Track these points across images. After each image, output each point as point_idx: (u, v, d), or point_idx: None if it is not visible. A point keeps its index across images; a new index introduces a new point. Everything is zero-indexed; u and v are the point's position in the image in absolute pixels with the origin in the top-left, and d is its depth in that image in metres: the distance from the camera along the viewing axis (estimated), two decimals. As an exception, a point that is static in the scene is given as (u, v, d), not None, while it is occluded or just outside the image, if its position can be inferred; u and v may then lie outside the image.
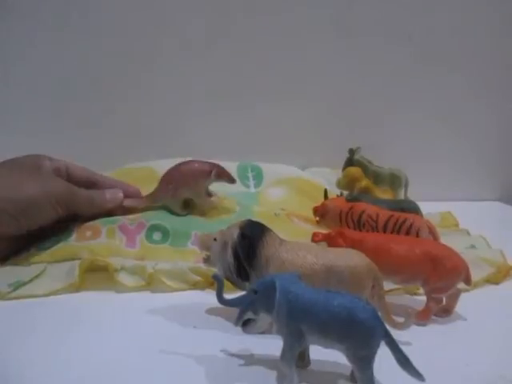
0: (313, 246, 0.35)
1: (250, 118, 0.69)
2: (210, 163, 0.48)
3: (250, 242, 0.33)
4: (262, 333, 0.31)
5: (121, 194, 0.47)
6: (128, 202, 0.48)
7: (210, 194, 0.50)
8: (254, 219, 0.36)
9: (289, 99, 0.69)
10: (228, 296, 0.39)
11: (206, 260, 0.35)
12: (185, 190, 0.48)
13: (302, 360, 0.29)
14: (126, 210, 0.48)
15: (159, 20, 0.66)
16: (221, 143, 0.65)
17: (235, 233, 0.34)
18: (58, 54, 0.66)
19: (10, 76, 0.66)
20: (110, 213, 0.47)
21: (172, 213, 0.48)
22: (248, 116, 0.69)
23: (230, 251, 0.34)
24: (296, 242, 0.35)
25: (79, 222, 0.46)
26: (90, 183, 0.47)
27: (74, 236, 0.44)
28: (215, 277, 0.31)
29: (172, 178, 0.48)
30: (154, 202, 0.48)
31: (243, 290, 0.33)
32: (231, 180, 0.50)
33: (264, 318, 0.29)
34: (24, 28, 0.64)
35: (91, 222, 0.45)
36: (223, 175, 0.49)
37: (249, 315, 0.29)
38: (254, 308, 0.29)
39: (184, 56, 0.67)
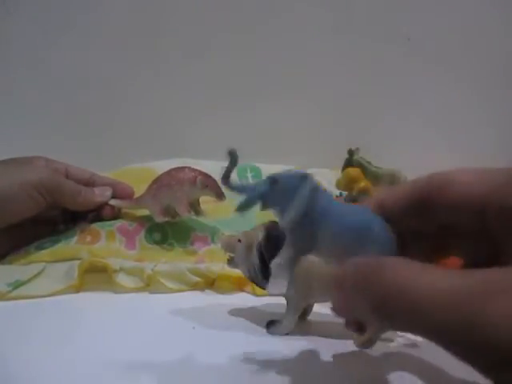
0: None
1: (250, 119, 0.69)
2: (200, 172, 0.44)
3: (275, 243, 0.32)
4: (286, 334, 0.31)
5: (109, 193, 0.46)
6: (114, 202, 0.47)
7: (197, 211, 0.45)
8: (252, 219, 0.35)
9: (288, 100, 0.69)
10: (226, 296, 0.39)
11: (230, 261, 0.35)
12: (166, 194, 0.44)
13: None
14: (115, 211, 0.47)
15: (159, 20, 0.66)
16: (220, 144, 0.65)
17: (260, 234, 0.33)
18: (58, 55, 0.66)
19: (10, 77, 0.66)
20: (98, 212, 0.46)
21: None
22: (247, 117, 0.69)
23: (255, 252, 0.33)
24: None
25: (79, 225, 0.46)
26: (90, 184, 0.47)
27: (74, 239, 0.44)
28: (231, 152, 0.27)
29: (158, 181, 0.45)
30: (139, 204, 0.47)
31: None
32: (219, 195, 0.43)
33: (290, 319, 0.28)
34: (24, 28, 0.64)
35: (90, 226, 0.45)
36: (211, 187, 0.43)
37: (251, 205, 0.26)
38: (266, 199, 0.25)
39: (183, 56, 0.68)
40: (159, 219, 0.45)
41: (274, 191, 0.25)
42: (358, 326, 0.25)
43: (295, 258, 0.25)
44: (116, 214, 0.47)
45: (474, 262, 0.25)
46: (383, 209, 0.25)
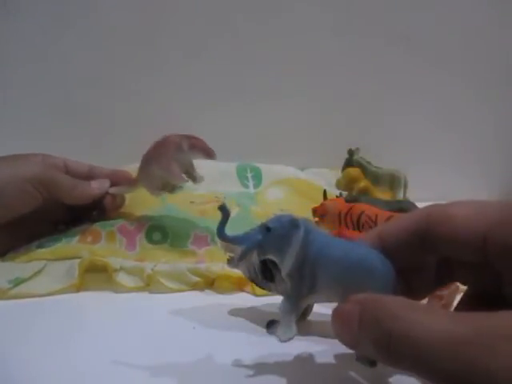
0: None
1: (250, 119, 0.69)
2: (186, 135, 0.43)
3: None
4: None
5: (106, 184, 0.46)
6: (113, 190, 0.47)
7: (193, 177, 0.44)
8: (252, 219, 0.35)
9: (288, 100, 0.69)
10: (226, 296, 0.39)
11: (230, 261, 0.35)
12: (155, 166, 0.43)
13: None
14: (117, 200, 0.47)
15: (159, 20, 0.66)
16: (220, 143, 0.65)
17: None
18: (58, 55, 0.66)
19: (10, 77, 0.66)
20: (100, 203, 0.46)
21: (171, 213, 0.47)
22: (247, 117, 0.69)
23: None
24: None
25: (81, 225, 0.46)
26: (90, 178, 0.47)
27: (75, 238, 0.44)
28: (222, 207, 0.28)
29: (146, 156, 0.44)
30: (136, 185, 0.46)
31: (268, 290, 0.33)
32: (208, 153, 0.42)
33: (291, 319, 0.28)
34: (24, 28, 0.64)
35: (91, 226, 0.45)
36: (198, 147, 0.42)
37: (248, 255, 0.27)
38: (262, 247, 0.26)
39: (183, 56, 0.67)
40: (156, 193, 0.45)
41: (269, 239, 0.26)
42: (369, 361, 0.25)
43: (299, 301, 0.26)
44: (118, 203, 0.48)
45: (477, 289, 0.25)
46: (383, 242, 0.25)
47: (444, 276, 0.26)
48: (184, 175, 0.43)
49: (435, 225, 0.23)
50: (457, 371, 0.17)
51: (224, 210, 0.28)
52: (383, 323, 0.19)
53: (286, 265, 0.26)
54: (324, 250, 0.25)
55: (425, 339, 0.18)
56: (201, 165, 0.47)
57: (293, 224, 0.25)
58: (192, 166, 0.44)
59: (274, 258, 0.26)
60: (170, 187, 0.44)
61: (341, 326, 0.21)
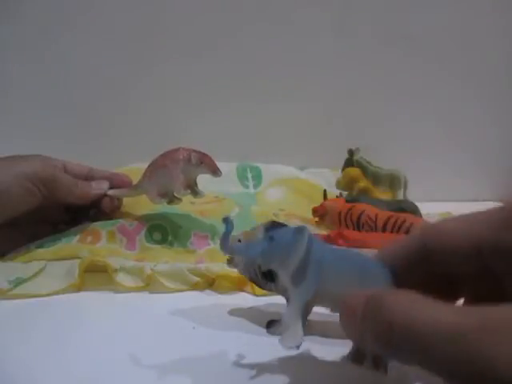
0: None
1: (250, 119, 0.69)
2: (195, 150, 0.44)
3: None
4: None
5: (105, 185, 0.46)
6: (112, 192, 0.47)
7: (195, 191, 0.45)
8: (252, 219, 0.35)
9: (288, 100, 0.69)
10: (226, 296, 0.39)
11: (230, 261, 0.35)
12: (161, 175, 0.44)
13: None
14: (115, 202, 0.47)
15: (159, 21, 0.66)
16: (220, 144, 0.65)
17: (260, 234, 0.34)
18: (58, 55, 0.66)
19: (11, 77, 0.66)
20: (98, 205, 0.46)
21: (170, 211, 0.47)
22: (247, 117, 0.69)
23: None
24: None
25: (80, 225, 0.46)
26: (89, 179, 0.47)
27: (75, 238, 0.44)
28: (226, 219, 0.28)
29: (153, 163, 0.45)
30: (137, 190, 0.47)
31: (268, 290, 0.34)
32: (215, 171, 0.44)
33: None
34: (24, 28, 0.64)
35: (91, 226, 0.45)
36: (206, 163, 0.43)
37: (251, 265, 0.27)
38: (266, 257, 0.26)
39: (183, 56, 0.68)
40: (156, 201, 0.45)
41: (273, 248, 0.26)
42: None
43: (303, 307, 0.26)
44: (116, 205, 0.48)
45: (478, 300, 0.25)
46: (385, 262, 0.26)
47: (446, 292, 0.26)
48: (186, 188, 0.44)
49: (430, 240, 0.24)
50: (459, 360, 0.17)
51: (228, 222, 0.27)
52: (384, 315, 0.19)
53: (289, 269, 0.26)
54: (324, 257, 0.26)
55: (427, 330, 0.18)
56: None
57: (298, 230, 0.26)
58: (195, 180, 0.45)
59: (278, 268, 0.27)
60: (170, 197, 0.45)
61: (346, 319, 0.22)
